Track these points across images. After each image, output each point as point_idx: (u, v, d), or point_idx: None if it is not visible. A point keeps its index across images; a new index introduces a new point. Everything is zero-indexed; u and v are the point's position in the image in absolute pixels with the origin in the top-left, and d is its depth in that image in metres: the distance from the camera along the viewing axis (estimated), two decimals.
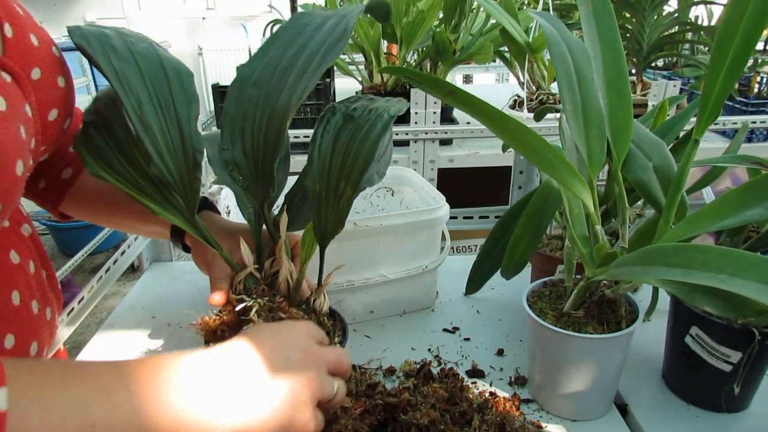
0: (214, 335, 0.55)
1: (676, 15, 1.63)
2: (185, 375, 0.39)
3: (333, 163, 0.54)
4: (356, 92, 1.74)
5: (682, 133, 0.76)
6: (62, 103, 0.52)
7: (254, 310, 0.53)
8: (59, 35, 3.66)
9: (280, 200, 0.62)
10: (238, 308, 0.53)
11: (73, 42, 0.50)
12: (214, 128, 0.58)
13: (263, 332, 0.46)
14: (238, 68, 0.57)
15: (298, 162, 0.58)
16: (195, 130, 0.54)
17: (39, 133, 0.49)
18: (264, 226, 0.59)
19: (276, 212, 0.59)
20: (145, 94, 0.51)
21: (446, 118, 1.53)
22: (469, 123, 1.39)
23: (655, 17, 1.55)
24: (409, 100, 1.28)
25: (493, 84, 3.13)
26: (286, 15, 2.31)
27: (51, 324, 0.57)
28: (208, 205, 0.71)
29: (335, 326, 0.60)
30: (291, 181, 0.64)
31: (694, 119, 0.55)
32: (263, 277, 0.58)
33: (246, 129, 0.55)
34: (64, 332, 0.81)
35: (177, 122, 0.53)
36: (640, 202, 0.74)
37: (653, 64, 1.84)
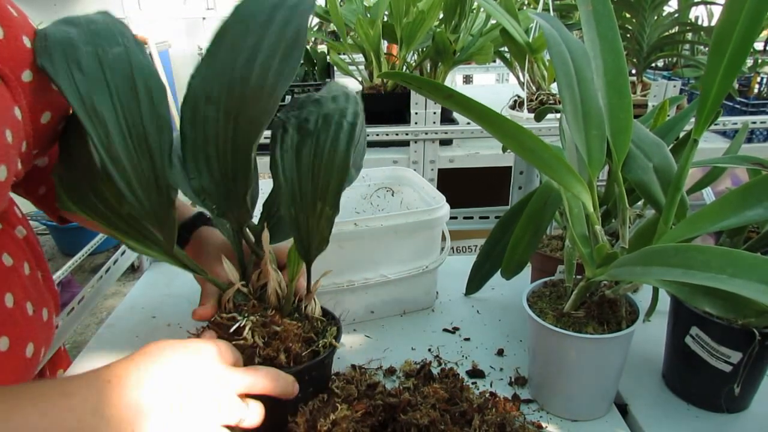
0: None
1: (676, 15, 1.63)
2: (70, 404, 0.39)
3: (303, 185, 0.50)
4: (356, 92, 1.74)
5: (682, 134, 0.76)
6: (55, 106, 0.51)
7: (248, 328, 0.52)
8: None
9: (258, 210, 0.59)
10: (232, 330, 0.53)
11: (37, 60, 0.46)
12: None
13: (161, 358, 0.44)
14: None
15: None
16: (168, 162, 0.50)
17: (30, 137, 0.48)
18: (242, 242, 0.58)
19: (255, 222, 0.58)
20: (114, 121, 0.47)
21: (446, 118, 1.53)
22: (469, 123, 1.39)
23: (655, 17, 1.55)
24: (409, 101, 1.28)
25: (493, 84, 3.13)
26: None
27: (48, 325, 0.57)
28: (205, 221, 0.69)
29: (329, 325, 0.60)
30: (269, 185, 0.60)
31: (694, 120, 0.55)
32: (251, 291, 0.57)
33: (210, 154, 0.50)
34: (64, 332, 0.81)
35: (149, 153, 0.49)
36: (640, 203, 0.74)
37: (653, 65, 1.84)
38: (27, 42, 0.47)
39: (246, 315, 0.54)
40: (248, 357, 0.52)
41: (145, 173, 0.49)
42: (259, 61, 0.47)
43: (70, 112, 0.55)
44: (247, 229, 0.55)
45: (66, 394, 0.39)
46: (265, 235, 0.55)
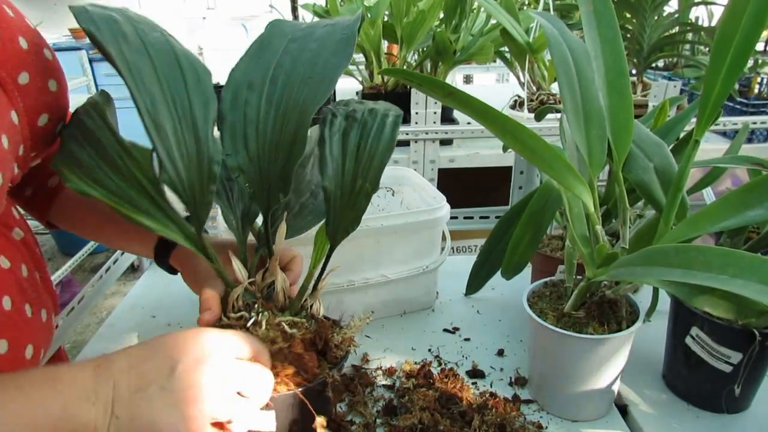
0: None
1: (676, 15, 1.63)
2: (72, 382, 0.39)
3: (347, 163, 0.53)
4: (356, 92, 1.74)
5: (682, 134, 0.76)
6: (53, 107, 0.50)
7: (263, 324, 0.52)
8: (59, 35, 3.66)
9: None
10: (249, 324, 0.52)
11: (81, 26, 0.45)
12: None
13: (156, 344, 0.44)
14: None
15: None
16: (212, 135, 0.50)
17: (27, 140, 0.48)
18: (247, 239, 0.58)
19: (259, 224, 0.58)
20: (159, 92, 0.47)
21: (447, 118, 1.53)
22: (469, 123, 1.39)
23: (656, 18, 1.55)
24: (409, 101, 1.28)
25: (493, 84, 3.12)
26: (287, 15, 2.30)
27: (47, 326, 0.56)
28: None
29: (334, 328, 0.59)
30: None
31: (694, 120, 0.55)
32: (257, 290, 0.56)
33: (249, 134, 0.53)
34: (64, 332, 0.81)
35: (193, 126, 0.49)
36: (640, 203, 0.74)
37: (654, 65, 1.84)
38: (23, 43, 0.47)
39: (260, 311, 0.53)
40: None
41: (186, 145, 0.49)
42: (305, 59, 0.52)
43: (69, 115, 0.54)
44: (269, 217, 0.55)
45: (53, 379, 0.39)
46: (283, 227, 0.55)
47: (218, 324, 0.54)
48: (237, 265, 0.55)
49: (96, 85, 2.63)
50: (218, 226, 0.82)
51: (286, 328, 0.52)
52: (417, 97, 1.29)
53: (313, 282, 0.57)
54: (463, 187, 1.46)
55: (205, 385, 0.42)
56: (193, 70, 0.51)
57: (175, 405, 0.41)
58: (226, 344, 0.46)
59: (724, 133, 1.58)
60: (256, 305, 0.54)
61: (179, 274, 0.65)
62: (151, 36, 0.49)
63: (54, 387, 0.39)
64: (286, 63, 0.53)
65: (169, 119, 0.48)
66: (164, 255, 0.65)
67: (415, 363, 0.72)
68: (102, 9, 0.48)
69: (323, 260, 0.57)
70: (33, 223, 0.67)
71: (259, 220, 0.57)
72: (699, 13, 1.95)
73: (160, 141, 0.47)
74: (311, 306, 0.57)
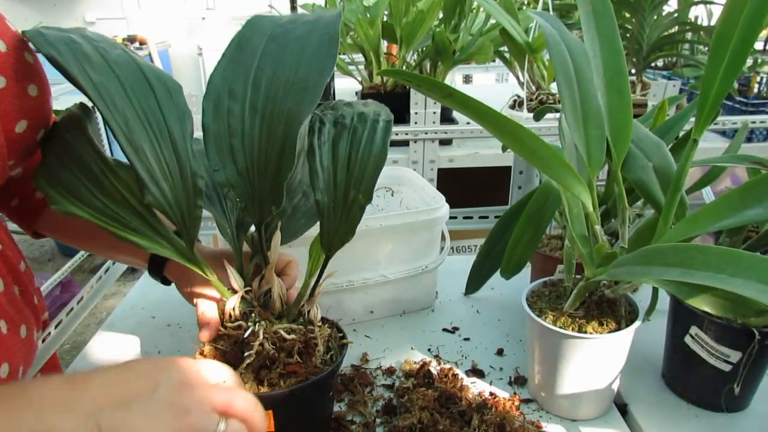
0: None
1: (675, 15, 1.63)
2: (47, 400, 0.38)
3: (338, 173, 0.52)
4: (356, 92, 1.74)
5: (681, 133, 0.76)
6: (34, 113, 0.48)
7: (261, 333, 0.52)
8: None
9: None
10: (246, 335, 0.52)
11: (40, 51, 0.44)
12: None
13: (133, 363, 0.42)
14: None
15: None
16: (192, 150, 0.49)
17: (3, 147, 0.46)
18: (243, 248, 0.58)
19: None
20: (132, 111, 0.46)
21: (446, 118, 1.53)
22: (468, 123, 1.39)
23: (655, 17, 1.55)
24: (408, 100, 1.28)
25: (492, 84, 3.12)
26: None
27: (27, 342, 0.54)
28: None
29: (332, 331, 0.59)
30: None
31: (693, 119, 0.55)
32: (254, 298, 0.56)
33: (236, 146, 0.51)
34: (64, 332, 0.81)
35: (171, 143, 0.48)
36: (639, 202, 0.74)
37: (653, 64, 1.84)
38: (1, 46, 0.45)
39: (257, 320, 0.53)
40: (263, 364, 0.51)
41: (167, 162, 0.47)
42: (289, 63, 0.49)
43: (52, 121, 0.52)
44: (262, 229, 0.55)
45: (26, 389, 0.37)
46: (277, 236, 0.55)
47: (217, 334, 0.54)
48: (233, 274, 0.55)
49: None
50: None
51: (284, 335, 0.52)
52: (416, 97, 1.29)
53: (309, 290, 0.57)
54: (462, 187, 1.46)
55: (187, 403, 0.41)
56: (162, 85, 0.49)
57: (159, 420, 0.39)
58: (205, 368, 0.44)
59: (723, 132, 1.58)
60: (253, 314, 0.54)
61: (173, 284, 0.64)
62: (114, 54, 0.48)
63: (25, 398, 0.37)
64: (266, 67, 0.51)
65: (146, 138, 0.46)
66: (158, 267, 0.64)
67: (415, 362, 0.72)
68: (58, 31, 0.47)
69: (319, 270, 0.57)
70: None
71: (253, 227, 0.57)
72: (698, 13, 1.95)
73: (140, 162, 0.45)
74: (308, 311, 0.57)
